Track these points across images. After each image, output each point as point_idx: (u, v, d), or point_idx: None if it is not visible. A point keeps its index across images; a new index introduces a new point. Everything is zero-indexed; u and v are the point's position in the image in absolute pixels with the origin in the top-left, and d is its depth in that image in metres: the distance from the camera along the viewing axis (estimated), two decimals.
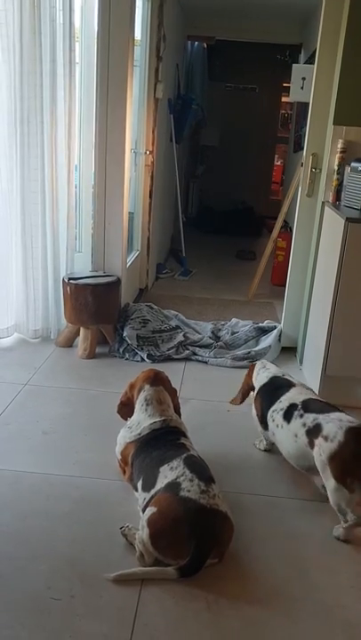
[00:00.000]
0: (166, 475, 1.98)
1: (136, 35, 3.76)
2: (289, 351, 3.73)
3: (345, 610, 1.80)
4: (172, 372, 2.94)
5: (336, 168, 3.16)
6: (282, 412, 2.32)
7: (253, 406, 2.57)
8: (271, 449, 2.56)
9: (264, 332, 3.82)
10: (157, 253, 5.35)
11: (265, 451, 2.60)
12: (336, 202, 3.17)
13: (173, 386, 2.42)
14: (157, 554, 1.86)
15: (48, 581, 1.81)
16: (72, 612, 1.71)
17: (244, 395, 2.67)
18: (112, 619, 1.70)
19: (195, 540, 1.81)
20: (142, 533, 1.87)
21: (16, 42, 3.08)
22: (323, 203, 3.27)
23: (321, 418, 2.16)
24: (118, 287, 3.62)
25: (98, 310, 3.45)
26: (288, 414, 2.28)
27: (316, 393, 2.71)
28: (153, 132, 4.57)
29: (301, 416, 2.23)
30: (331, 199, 3.20)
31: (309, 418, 2.19)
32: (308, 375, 3.33)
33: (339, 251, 2.81)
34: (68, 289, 3.44)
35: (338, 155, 3.15)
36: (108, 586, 1.80)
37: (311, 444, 2.14)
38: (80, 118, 3.62)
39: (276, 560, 1.98)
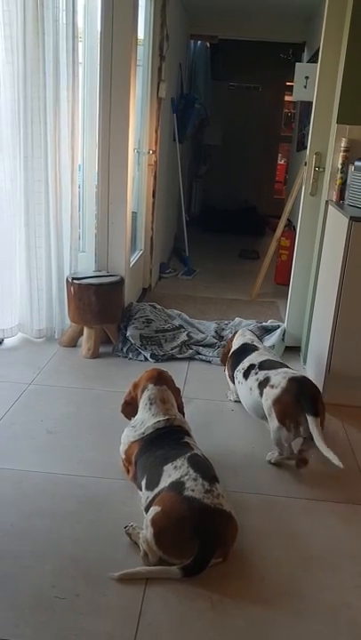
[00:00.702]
0: (170, 474, 1.98)
1: (139, 34, 3.76)
2: (293, 350, 3.72)
3: (350, 609, 1.80)
4: (176, 371, 2.95)
5: (340, 167, 3.15)
6: (242, 371, 2.72)
7: (226, 367, 3.01)
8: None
9: (268, 331, 3.82)
10: (161, 253, 5.35)
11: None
12: (340, 201, 3.16)
13: (177, 385, 2.43)
14: (161, 553, 1.86)
15: (52, 580, 1.81)
16: (76, 610, 1.71)
17: (225, 356, 3.04)
18: (116, 617, 1.70)
19: (199, 539, 1.81)
20: (146, 532, 1.87)
21: (19, 42, 3.08)
22: (326, 202, 3.27)
23: (271, 372, 2.57)
24: (122, 287, 3.63)
25: (101, 310, 3.45)
26: (247, 373, 2.69)
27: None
28: (156, 131, 4.57)
29: (256, 373, 2.62)
30: (334, 198, 3.20)
31: (261, 374, 2.60)
32: (311, 374, 3.33)
33: (343, 249, 2.80)
34: (72, 289, 3.44)
35: (341, 153, 3.14)
36: (113, 585, 1.80)
37: (262, 394, 2.53)
38: (83, 118, 3.62)
39: (281, 559, 1.98)
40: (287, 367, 2.64)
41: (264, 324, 3.91)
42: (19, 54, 3.10)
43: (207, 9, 5.94)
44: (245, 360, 2.75)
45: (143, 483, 2.08)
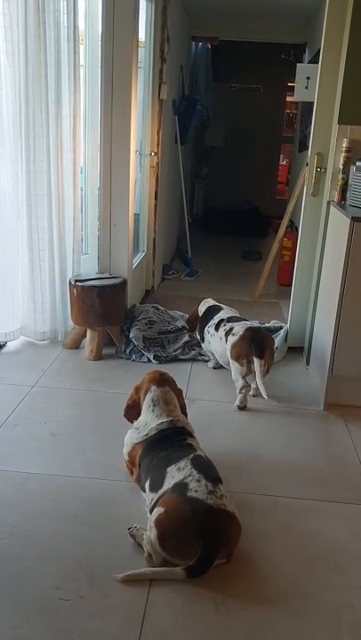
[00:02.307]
0: (174, 475, 1.99)
1: (140, 36, 3.77)
2: (295, 351, 3.72)
3: (353, 610, 1.80)
4: (179, 372, 2.96)
5: (341, 167, 3.15)
6: (214, 325, 3.25)
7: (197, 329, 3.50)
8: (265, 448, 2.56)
9: (270, 332, 3.80)
10: (163, 254, 5.36)
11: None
12: (341, 201, 3.16)
13: (179, 386, 2.43)
14: (165, 554, 1.86)
15: (56, 582, 1.82)
16: (80, 612, 1.72)
17: (192, 324, 3.55)
18: (120, 619, 1.70)
19: (202, 540, 1.81)
20: (150, 534, 1.88)
21: (21, 46, 3.10)
22: (328, 202, 3.27)
23: (235, 324, 3.13)
24: (124, 289, 3.63)
25: (104, 312, 3.46)
26: (217, 326, 3.22)
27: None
28: (158, 133, 4.58)
29: (225, 325, 3.17)
30: (336, 198, 3.20)
31: (228, 325, 3.14)
32: (314, 375, 3.33)
33: (344, 250, 2.80)
34: (75, 291, 3.45)
35: (343, 154, 3.14)
36: (117, 586, 1.81)
37: (226, 341, 3.07)
38: (85, 121, 3.63)
39: (284, 560, 1.98)
40: (247, 321, 3.22)
41: (267, 324, 3.91)
42: (20, 57, 3.11)
43: (208, 11, 5.95)
44: (216, 317, 3.29)
45: (147, 484, 2.08)
